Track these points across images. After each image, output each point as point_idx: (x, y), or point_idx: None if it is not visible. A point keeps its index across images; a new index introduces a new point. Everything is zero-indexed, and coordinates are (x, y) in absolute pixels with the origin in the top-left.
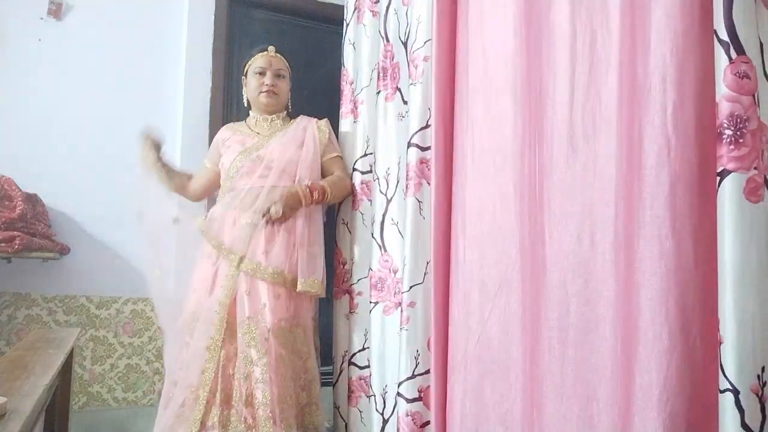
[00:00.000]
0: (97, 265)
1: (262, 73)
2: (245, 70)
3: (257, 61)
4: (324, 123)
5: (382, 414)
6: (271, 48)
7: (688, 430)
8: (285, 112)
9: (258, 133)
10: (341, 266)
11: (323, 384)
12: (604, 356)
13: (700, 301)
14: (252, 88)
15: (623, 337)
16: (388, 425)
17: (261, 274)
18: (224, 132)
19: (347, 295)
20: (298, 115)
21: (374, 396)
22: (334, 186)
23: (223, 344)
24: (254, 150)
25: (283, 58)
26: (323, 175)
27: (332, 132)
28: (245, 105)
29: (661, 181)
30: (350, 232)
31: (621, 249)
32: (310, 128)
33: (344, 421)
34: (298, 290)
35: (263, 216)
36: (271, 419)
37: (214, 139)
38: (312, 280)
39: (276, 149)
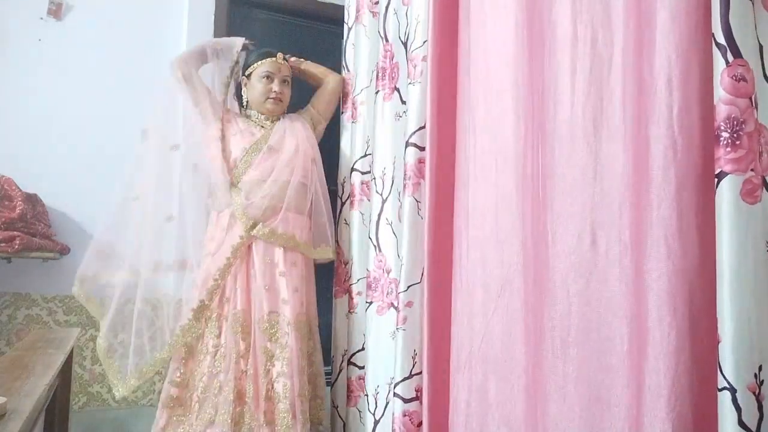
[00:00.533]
0: None
1: (270, 78)
2: (248, 71)
3: (266, 66)
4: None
5: (373, 414)
6: (279, 54)
7: (695, 430)
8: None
9: (262, 127)
10: (342, 265)
11: None
12: (610, 357)
13: (706, 302)
14: (258, 91)
15: (630, 338)
16: (379, 426)
17: (272, 238)
18: (232, 111)
19: (347, 294)
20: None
21: (367, 396)
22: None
23: (233, 341)
24: (263, 142)
25: (288, 64)
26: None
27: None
28: (244, 105)
29: (667, 182)
30: (351, 232)
31: (627, 249)
32: (298, 118)
33: (342, 420)
34: (320, 257)
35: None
36: (290, 413)
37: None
38: (329, 248)
39: (285, 140)
